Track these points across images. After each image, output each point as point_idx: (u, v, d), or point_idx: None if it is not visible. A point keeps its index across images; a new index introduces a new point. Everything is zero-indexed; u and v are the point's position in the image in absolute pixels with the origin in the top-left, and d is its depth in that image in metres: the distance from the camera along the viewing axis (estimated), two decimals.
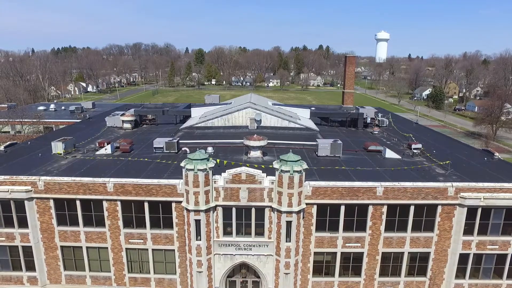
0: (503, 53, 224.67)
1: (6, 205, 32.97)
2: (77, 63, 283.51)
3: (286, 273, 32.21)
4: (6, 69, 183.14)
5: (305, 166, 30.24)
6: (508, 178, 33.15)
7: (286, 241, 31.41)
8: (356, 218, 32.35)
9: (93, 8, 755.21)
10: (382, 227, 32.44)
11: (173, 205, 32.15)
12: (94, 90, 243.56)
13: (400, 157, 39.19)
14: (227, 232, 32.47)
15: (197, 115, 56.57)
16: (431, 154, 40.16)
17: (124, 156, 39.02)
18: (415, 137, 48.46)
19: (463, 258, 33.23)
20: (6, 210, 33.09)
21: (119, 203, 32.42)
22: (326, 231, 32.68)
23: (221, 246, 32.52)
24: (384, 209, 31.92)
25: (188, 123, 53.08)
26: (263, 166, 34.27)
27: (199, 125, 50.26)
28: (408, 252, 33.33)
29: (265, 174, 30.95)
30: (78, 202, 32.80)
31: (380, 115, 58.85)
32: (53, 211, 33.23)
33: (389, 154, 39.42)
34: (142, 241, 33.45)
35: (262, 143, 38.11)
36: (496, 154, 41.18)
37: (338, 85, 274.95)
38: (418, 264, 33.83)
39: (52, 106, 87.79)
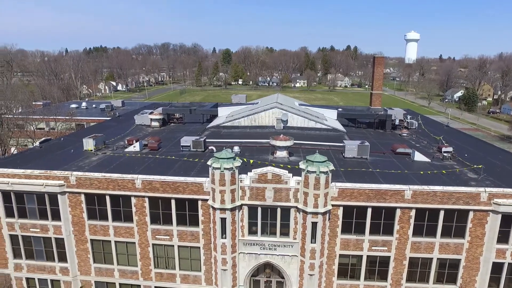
0: None
1: (41, 198, 34.28)
2: (108, 62, 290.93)
3: (311, 275, 32.02)
4: (42, 69, 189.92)
5: (331, 167, 30.00)
6: None
7: (311, 242, 31.24)
8: (383, 221, 31.80)
9: (123, 10, 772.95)
10: (410, 232, 31.76)
11: (199, 203, 32.54)
12: (124, 89, 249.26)
13: (429, 160, 38.27)
14: (252, 231, 32.59)
15: (223, 114, 57.00)
16: (462, 157, 39.03)
17: (152, 154, 39.78)
18: (446, 140, 47.17)
19: (497, 267, 32.03)
20: (41, 203, 34.41)
21: (146, 199, 33.10)
22: (352, 233, 32.29)
23: (246, 245, 32.67)
24: (412, 213, 31.25)
25: (215, 122, 53.57)
26: (289, 166, 34.20)
27: (226, 124, 50.64)
28: (437, 258, 32.47)
29: (291, 174, 30.89)
30: (107, 198, 33.69)
31: (409, 117, 57.62)
32: (84, 205, 34.27)
33: (418, 157, 38.57)
34: (168, 237, 34.01)
35: (288, 143, 38.04)
36: None
37: (366, 86, 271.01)
38: (448, 271, 32.88)
39: (83, 104, 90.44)
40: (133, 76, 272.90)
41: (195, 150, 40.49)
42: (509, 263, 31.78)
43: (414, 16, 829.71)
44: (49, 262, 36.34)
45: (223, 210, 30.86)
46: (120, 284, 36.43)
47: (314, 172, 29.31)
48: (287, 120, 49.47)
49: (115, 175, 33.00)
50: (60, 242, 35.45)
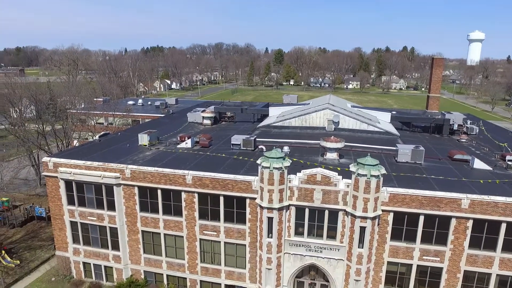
0: None
1: (98, 189, 36.26)
2: (163, 61, 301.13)
3: (357, 280, 31.23)
4: (103, 67, 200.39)
5: (383, 171, 29.06)
6: None
7: (359, 247, 30.46)
8: (436, 230, 30.33)
9: (180, 11, 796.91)
10: (466, 243, 30.02)
11: (247, 201, 32.83)
12: (178, 87, 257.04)
13: (491, 169, 35.96)
14: (298, 232, 32.36)
15: (274, 114, 57.08)
16: None
17: (203, 151, 40.68)
18: (511, 147, 44.12)
19: None
20: (98, 193, 36.41)
21: (196, 195, 33.91)
22: (402, 241, 31.10)
23: (291, 245, 32.51)
24: (470, 223, 29.50)
25: (266, 121, 53.78)
26: (338, 169, 33.57)
27: (276, 124, 50.68)
28: (497, 275, 30.43)
29: (340, 177, 30.31)
30: (159, 191, 34.92)
31: (469, 122, 54.46)
32: (137, 197, 35.78)
33: (478, 164, 36.37)
34: (215, 233, 34.63)
35: (339, 145, 37.35)
36: None
37: (423, 88, 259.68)
38: None
39: (140, 101, 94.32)
40: (187, 75, 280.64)
41: (245, 148, 40.90)
42: None
43: (478, 15, 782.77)
44: (104, 249, 38.34)
45: (270, 209, 30.91)
46: (167, 275, 37.64)
47: (365, 175, 28.54)
48: (338, 121, 48.59)
49: (167, 170, 34.13)
50: (114, 231, 37.28)
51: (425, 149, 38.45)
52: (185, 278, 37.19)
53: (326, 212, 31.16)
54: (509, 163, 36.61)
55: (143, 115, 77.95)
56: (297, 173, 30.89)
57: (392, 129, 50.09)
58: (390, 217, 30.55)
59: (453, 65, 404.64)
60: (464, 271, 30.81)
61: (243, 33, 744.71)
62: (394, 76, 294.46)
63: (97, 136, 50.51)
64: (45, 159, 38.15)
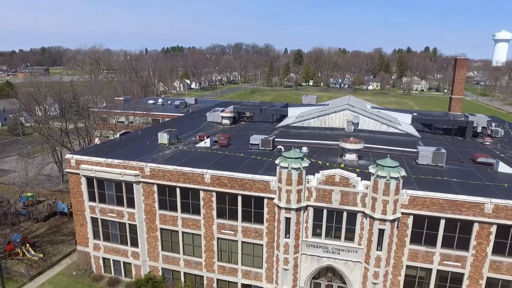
0: None
1: (118, 186, 36.88)
2: (183, 61, 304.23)
3: (374, 283, 30.86)
4: (124, 67, 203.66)
5: (403, 173, 28.63)
6: None
7: (377, 250, 30.09)
8: (458, 234, 29.67)
9: (199, 11, 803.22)
10: (489, 249, 29.27)
11: (265, 201, 32.84)
12: (197, 87, 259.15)
13: None
14: (316, 233, 32.19)
15: (293, 114, 56.93)
16: None
17: (222, 150, 40.89)
18: None
19: None
20: (118, 190, 37.02)
21: (214, 194, 34.12)
22: (421, 244, 30.56)
23: (308, 246, 32.35)
24: (493, 228, 28.76)
25: (284, 122, 53.69)
26: (358, 170, 33.25)
27: (295, 124, 50.54)
28: None
29: (359, 178, 30.00)
30: (178, 190, 35.27)
31: (493, 125, 53.09)
32: (156, 195, 36.23)
33: (503, 168, 35.41)
34: (233, 232, 34.76)
35: (359, 146, 36.98)
36: None
37: (445, 90, 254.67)
38: None
39: (160, 100, 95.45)
40: (206, 75, 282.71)
41: (263, 148, 40.94)
42: None
43: (505, 14, 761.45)
44: (123, 246, 38.97)
45: (288, 209, 30.85)
46: (184, 273, 37.98)
47: (384, 177, 28.19)
48: (358, 122, 48.12)
49: (186, 169, 34.45)
50: (133, 228, 37.85)
51: (447, 151, 37.70)
52: (202, 276, 37.46)
53: (344, 214, 30.90)
54: None
55: (163, 114, 78.83)
56: (316, 174, 30.73)
57: (413, 131, 49.30)
58: (410, 220, 30.08)
59: (477, 66, 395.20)
60: (487, 277, 30.05)
61: (262, 33, 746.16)
62: (415, 77, 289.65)
63: (118, 135, 51.37)
64: (68, 156, 39.03)
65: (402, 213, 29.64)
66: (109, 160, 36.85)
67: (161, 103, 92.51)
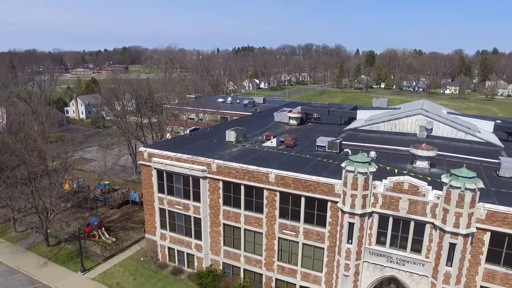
0: None
1: (186, 180, 38.43)
2: (253, 61, 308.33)
3: None
4: (196, 66, 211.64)
5: (480, 185, 26.54)
6: None
7: (447, 265, 28.22)
8: None
9: (271, 12, 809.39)
10: None
11: (329, 204, 32.31)
12: (266, 87, 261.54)
13: None
14: (380, 241, 30.99)
15: (362, 117, 55.33)
16: None
17: (288, 151, 40.89)
18: None
19: None
20: (186, 184, 38.59)
21: (278, 193, 34.23)
22: (500, 265, 28.10)
23: (371, 254, 31.26)
24: None
25: (353, 125, 52.36)
26: (429, 179, 31.46)
27: (364, 128, 49.07)
28: None
29: (430, 187, 28.34)
30: (242, 187, 35.91)
31: None
32: (221, 191, 37.20)
33: None
34: (294, 233, 34.63)
35: (431, 153, 34.96)
36: None
37: None
38: None
39: (229, 99, 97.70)
40: (276, 75, 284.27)
41: (330, 151, 40.29)
42: None
43: None
44: (187, 237, 40.55)
45: (352, 214, 30.06)
46: (244, 269, 38.58)
47: (459, 188, 26.34)
48: (431, 128, 45.49)
49: (251, 167, 34.95)
50: (197, 221, 39.22)
51: None
52: (261, 275, 37.78)
53: (412, 223, 29.39)
54: None
55: (231, 113, 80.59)
56: (383, 180, 29.59)
57: (495, 140, 45.50)
58: (487, 237, 27.79)
59: None
60: None
61: (333, 34, 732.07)
62: (501, 81, 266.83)
63: (188, 131, 53.53)
64: (141, 149, 41.48)
65: (478, 228, 27.49)
66: (179, 155, 38.51)
67: (230, 102, 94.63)
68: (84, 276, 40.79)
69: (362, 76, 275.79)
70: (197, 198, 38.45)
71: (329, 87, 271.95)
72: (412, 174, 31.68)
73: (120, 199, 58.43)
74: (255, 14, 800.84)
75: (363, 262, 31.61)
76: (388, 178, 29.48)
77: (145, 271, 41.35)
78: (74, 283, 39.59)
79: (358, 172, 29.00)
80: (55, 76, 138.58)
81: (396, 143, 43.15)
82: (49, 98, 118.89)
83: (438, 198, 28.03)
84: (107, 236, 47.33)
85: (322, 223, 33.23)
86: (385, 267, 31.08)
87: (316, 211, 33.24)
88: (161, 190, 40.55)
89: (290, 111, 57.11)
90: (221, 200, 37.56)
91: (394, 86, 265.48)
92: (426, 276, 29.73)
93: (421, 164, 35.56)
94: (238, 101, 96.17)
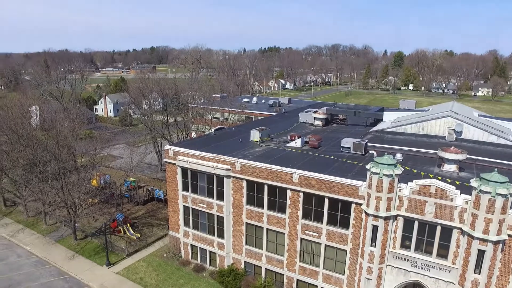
0: None
1: (210, 178, 38.77)
2: (279, 61, 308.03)
3: None
4: (223, 65, 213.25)
5: None
6: None
7: (475, 272, 27.35)
8: None
9: (299, 11, 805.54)
10: None
11: (353, 206, 31.90)
12: (291, 87, 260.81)
13: None
14: (404, 245, 30.35)
15: (389, 119, 54.34)
16: None
17: (312, 151, 40.63)
18: None
19: None
20: (209, 182, 38.94)
21: (301, 194, 34.06)
22: None
23: (395, 258, 30.65)
24: None
25: (379, 126, 51.51)
26: (457, 183, 30.57)
27: (390, 129, 48.18)
28: None
29: (458, 191, 27.55)
30: (265, 187, 35.92)
31: None
32: (244, 190, 37.32)
33: None
34: (317, 234, 34.37)
35: (460, 157, 33.98)
36: None
37: None
38: None
39: (254, 99, 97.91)
40: (301, 76, 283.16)
41: (354, 152, 39.78)
42: None
43: None
44: (210, 236, 40.89)
45: (376, 217, 29.58)
46: (266, 269, 38.57)
47: (489, 192, 25.49)
48: (461, 131, 44.20)
49: (275, 167, 34.92)
50: (220, 220, 39.49)
51: None
52: (283, 275, 37.68)
53: (438, 228, 28.64)
54: None
55: (256, 113, 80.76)
56: (409, 183, 28.98)
57: None
58: None
59: None
60: None
61: (361, 34, 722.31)
62: None
63: (212, 130, 53.98)
64: (167, 147, 42.12)
65: (509, 236, 26.52)
66: (203, 153, 38.90)
67: (255, 102, 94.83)
68: (109, 270, 41.78)
69: (390, 77, 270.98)
70: (220, 196, 38.72)
71: (355, 88, 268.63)
72: (440, 178, 30.89)
73: (145, 196, 59.52)
74: (283, 14, 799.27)
75: (387, 265, 31.04)
76: (414, 181, 28.84)
77: (167, 268, 41.97)
78: (100, 276, 40.62)
79: (383, 174, 28.50)
80: (85, 75, 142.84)
81: (423, 145, 42.17)
82: (80, 96, 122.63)
83: (466, 203, 27.22)
84: (132, 232, 48.32)
85: (345, 225, 32.84)
86: (409, 271, 30.42)
87: (340, 213, 32.88)
88: (185, 188, 41.05)
89: (315, 112, 56.72)
90: (244, 199, 37.68)
91: (422, 88, 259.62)
92: (453, 283, 28.91)
93: (449, 168, 34.62)
94: (263, 101, 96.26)
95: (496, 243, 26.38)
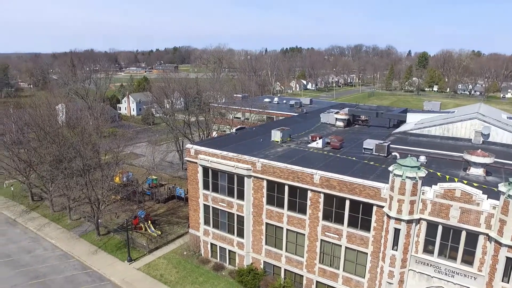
0: None
1: (230, 178, 38.89)
2: (301, 62, 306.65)
3: None
4: (244, 66, 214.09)
5: None
6: None
7: (503, 281, 26.50)
8: None
9: (322, 11, 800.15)
10: None
11: (374, 208, 31.42)
12: (313, 88, 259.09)
13: None
14: (427, 250, 29.70)
15: (412, 121, 53.29)
16: None
17: (333, 152, 40.26)
18: None
19: None
20: (230, 182, 39.06)
21: (322, 195, 33.78)
22: None
23: (418, 263, 30.03)
24: None
25: (402, 128, 50.61)
26: (484, 187, 29.70)
27: (414, 131, 47.25)
28: None
29: (485, 196, 26.78)
30: (286, 187, 35.78)
31: None
32: (264, 190, 37.28)
33: None
34: (337, 236, 34.03)
35: (487, 160, 33.01)
36: None
37: None
38: None
39: (275, 99, 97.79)
40: (323, 76, 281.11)
41: (377, 154, 39.21)
42: None
43: None
44: (229, 235, 41.02)
45: (398, 220, 29.04)
46: (285, 270, 38.42)
47: None
48: (488, 134, 42.95)
49: (295, 168, 34.74)
50: (240, 219, 39.57)
51: None
52: (302, 276, 37.45)
53: (463, 233, 27.91)
54: None
55: (277, 113, 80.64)
56: (433, 186, 28.34)
57: None
58: None
59: None
60: None
61: (384, 34, 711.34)
62: None
63: (234, 129, 54.13)
64: (188, 146, 42.49)
65: None
66: (224, 153, 39.05)
67: (276, 102, 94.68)
68: (130, 265, 42.46)
69: (414, 79, 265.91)
70: (241, 196, 38.79)
71: (378, 89, 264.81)
72: (465, 182, 30.08)
73: (167, 194, 60.21)
74: (306, 15, 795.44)
75: (409, 270, 30.44)
76: (438, 184, 28.19)
77: (187, 265, 42.34)
78: (121, 272, 41.32)
79: (406, 177, 27.96)
80: (109, 75, 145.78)
81: (448, 148, 41.18)
82: (104, 95, 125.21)
83: (494, 208, 26.43)
84: (153, 229, 48.96)
85: (367, 228, 32.39)
86: (432, 277, 29.76)
87: (361, 215, 32.45)
88: (206, 186, 41.31)
89: (337, 113, 56.20)
90: (264, 199, 37.64)
91: (448, 89, 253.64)
92: None
93: (476, 171, 33.69)
94: (284, 101, 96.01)
95: None
